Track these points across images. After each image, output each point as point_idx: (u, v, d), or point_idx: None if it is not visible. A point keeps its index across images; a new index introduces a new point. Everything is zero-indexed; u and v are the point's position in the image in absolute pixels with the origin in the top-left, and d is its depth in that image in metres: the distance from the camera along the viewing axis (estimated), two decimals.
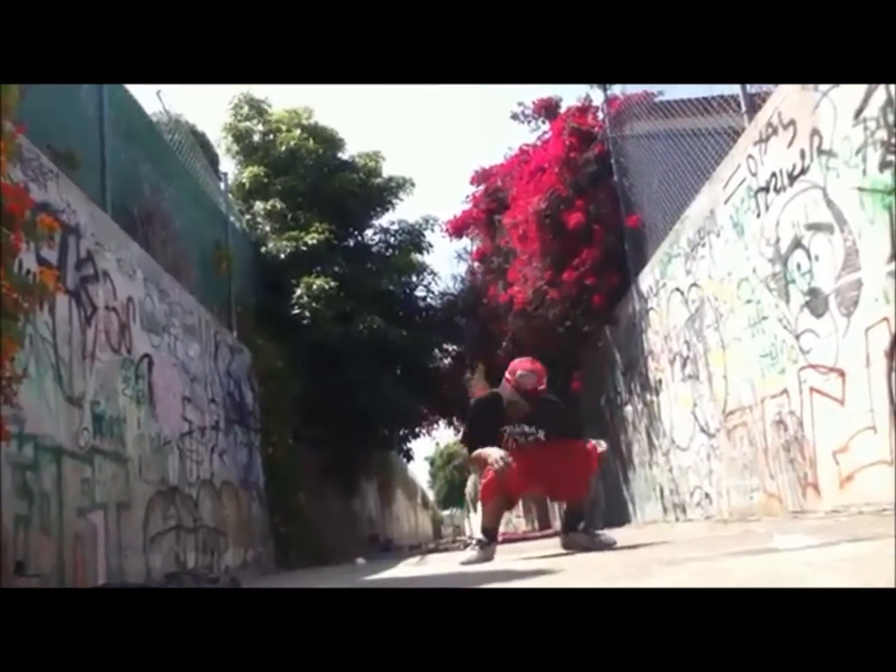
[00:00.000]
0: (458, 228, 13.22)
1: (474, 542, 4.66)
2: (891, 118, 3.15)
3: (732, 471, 5.31)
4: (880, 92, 3.20)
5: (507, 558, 4.41)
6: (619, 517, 8.91)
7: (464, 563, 4.31)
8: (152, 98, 6.97)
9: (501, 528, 4.96)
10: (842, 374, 3.68)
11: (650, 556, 2.87)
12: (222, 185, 9.60)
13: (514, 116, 10.72)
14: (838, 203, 3.62)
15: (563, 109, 9.98)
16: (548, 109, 10.39)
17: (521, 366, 4.65)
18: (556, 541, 6.88)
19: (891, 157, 3.17)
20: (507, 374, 4.67)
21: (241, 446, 7.26)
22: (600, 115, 9.07)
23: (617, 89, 8.53)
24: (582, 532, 4.43)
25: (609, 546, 4.17)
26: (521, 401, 4.53)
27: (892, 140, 3.15)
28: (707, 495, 5.95)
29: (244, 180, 12.25)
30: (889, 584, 1.31)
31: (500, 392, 4.74)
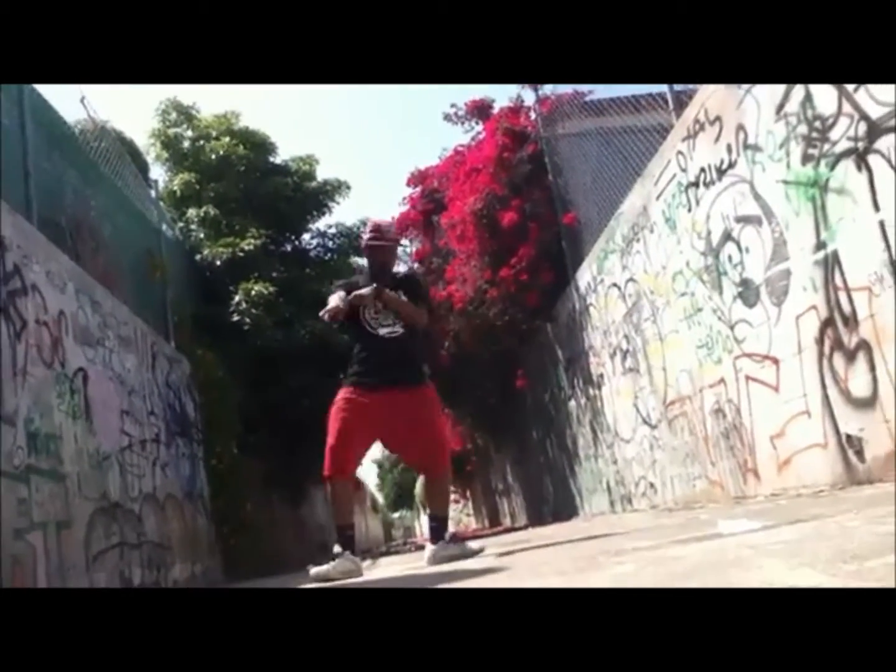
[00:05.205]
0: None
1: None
2: (810, 113, 3.27)
3: (675, 460, 5.43)
4: (799, 88, 3.32)
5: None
6: (567, 510, 9.02)
7: (316, 578, 3.69)
8: (77, 105, 6.78)
9: (451, 527, 4.24)
10: (775, 361, 3.80)
11: (599, 547, 2.92)
12: (153, 193, 9.39)
13: (447, 118, 10.76)
14: (765, 196, 3.74)
15: (495, 110, 10.07)
16: (480, 110, 10.46)
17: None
18: (507, 538, 6.92)
19: (812, 151, 3.29)
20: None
21: (183, 458, 7.12)
22: (532, 114, 9.18)
23: (548, 89, 8.65)
24: (451, 542, 3.93)
25: (478, 552, 3.81)
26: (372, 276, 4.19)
27: (813, 134, 3.27)
28: (652, 485, 6.07)
29: (175, 187, 11.99)
30: (827, 564, 1.36)
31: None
